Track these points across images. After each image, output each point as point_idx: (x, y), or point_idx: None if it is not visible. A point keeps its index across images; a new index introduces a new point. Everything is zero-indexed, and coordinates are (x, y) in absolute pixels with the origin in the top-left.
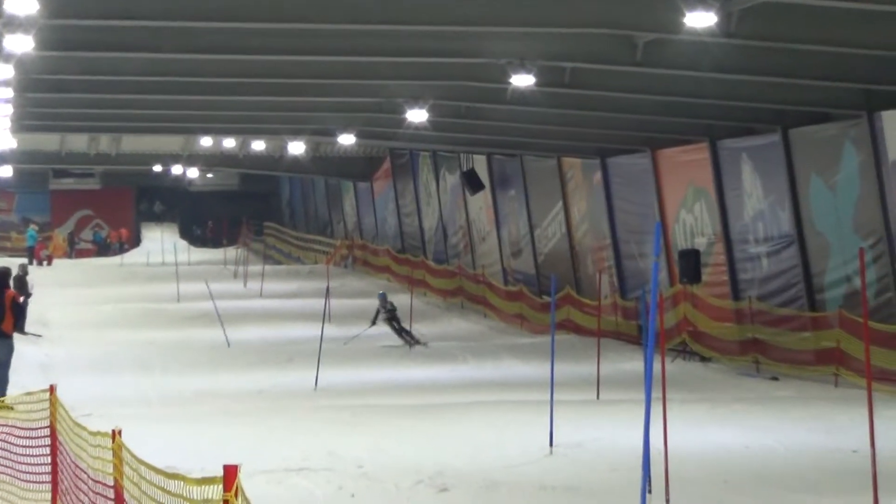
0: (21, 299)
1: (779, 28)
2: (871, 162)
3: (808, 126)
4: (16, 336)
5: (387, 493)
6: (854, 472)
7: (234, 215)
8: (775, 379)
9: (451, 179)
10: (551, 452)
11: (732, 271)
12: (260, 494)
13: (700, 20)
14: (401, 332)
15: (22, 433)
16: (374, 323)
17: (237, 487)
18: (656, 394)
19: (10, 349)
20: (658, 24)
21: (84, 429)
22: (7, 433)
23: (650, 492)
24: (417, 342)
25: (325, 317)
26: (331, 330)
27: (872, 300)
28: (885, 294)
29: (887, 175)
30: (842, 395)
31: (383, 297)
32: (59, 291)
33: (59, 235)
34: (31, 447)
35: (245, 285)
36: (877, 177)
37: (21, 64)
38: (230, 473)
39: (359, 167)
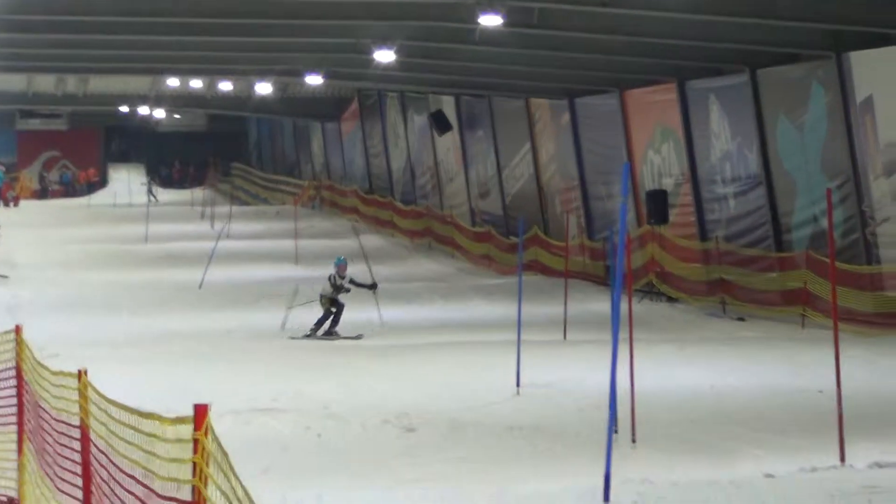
0: None
1: None
2: (839, 102)
3: (776, 67)
4: None
5: (353, 433)
6: (820, 412)
7: (201, 156)
8: (742, 319)
9: (419, 120)
10: (518, 393)
11: (700, 212)
12: (229, 434)
13: None
14: (333, 321)
15: None
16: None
17: (207, 426)
18: (623, 334)
19: None
20: None
21: (46, 369)
22: None
23: (616, 431)
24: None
25: (293, 258)
26: (297, 270)
27: (839, 241)
28: (852, 235)
29: (855, 115)
30: (808, 335)
31: (341, 266)
32: (27, 232)
33: (27, 177)
34: None
35: (212, 226)
36: (844, 117)
37: None
38: (200, 413)
39: (327, 108)
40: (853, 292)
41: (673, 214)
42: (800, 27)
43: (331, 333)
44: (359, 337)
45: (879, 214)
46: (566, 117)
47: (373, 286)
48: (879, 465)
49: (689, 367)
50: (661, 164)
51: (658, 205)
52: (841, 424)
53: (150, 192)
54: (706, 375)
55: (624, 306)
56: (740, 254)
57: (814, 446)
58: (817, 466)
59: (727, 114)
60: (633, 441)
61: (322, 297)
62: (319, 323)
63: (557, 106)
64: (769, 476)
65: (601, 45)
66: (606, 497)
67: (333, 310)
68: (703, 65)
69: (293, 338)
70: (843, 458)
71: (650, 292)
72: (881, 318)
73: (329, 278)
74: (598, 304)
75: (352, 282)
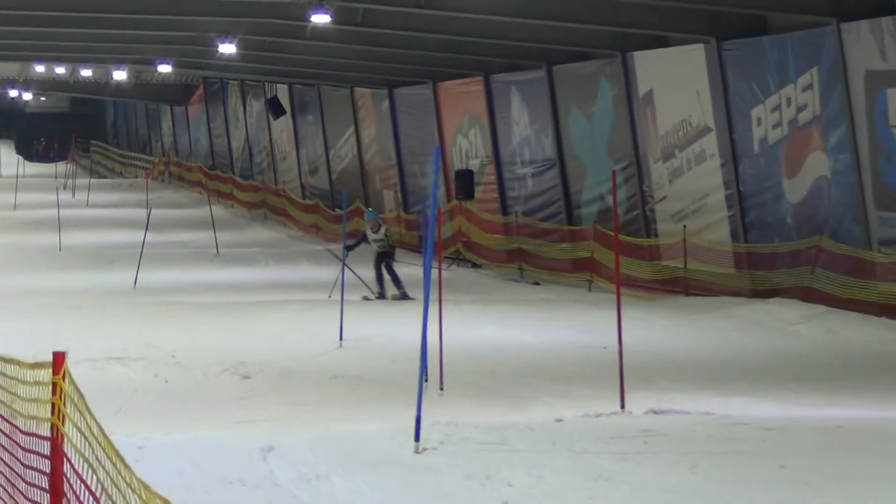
0: None
1: None
2: (624, 96)
3: (569, 63)
4: None
5: (196, 379)
6: (604, 365)
7: (64, 134)
8: (537, 284)
9: (257, 105)
10: (341, 346)
11: (501, 189)
12: (85, 380)
13: None
14: (393, 278)
15: None
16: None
17: (65, 371)
18: (434, 295)
19: None
20: None
21: None
22: None
23: (427, 380)
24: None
25: (144, 224)
26: (148, 235)
27: (622, 216)
28: (633, 211)
29: (637, 107)
30: (594, 298)
31: (374, 218)
32: None
33: None
34: None
35: (73, 196)
36: (628, 109)
37: None
38: (58, 359)
39: (175, 93)
40: (634, 261)
41: (478, 191)
42: (590, 29)
43: (404, 296)
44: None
45: (658, 194)
46: (386, 105)
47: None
48: (655, 412)
49: (491, 324)
50: (468, 148)
51: (465, 183)
52: (622, 376)
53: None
54: (505, 332)
55: (434, 271)
56: (536, 227)
57: (598, 395)
58: (601, 412)
59: (526, 104)
60: (441, 389)
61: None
62: (396, 281)
63: (378, 95)
64: (559, 420)
65: (417, 42)
66: (417, 437)
67: (383, 265)
68: (506, 61)
69: (367, 298)
70: (623, 406)
71: (457, 259)
72: (658, 284)
73: (365, 232)
74: (411, 268)
75: (387, 236)
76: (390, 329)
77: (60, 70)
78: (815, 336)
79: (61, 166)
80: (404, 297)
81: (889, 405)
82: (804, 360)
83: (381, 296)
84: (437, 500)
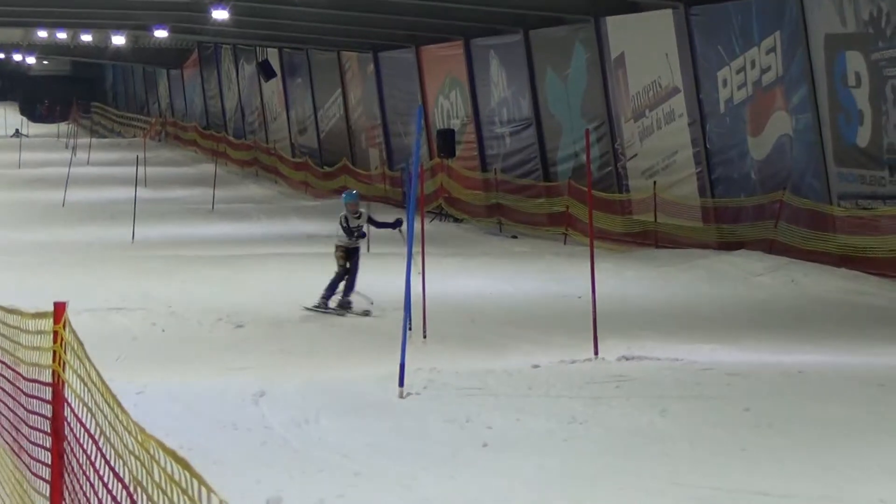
0: None
1: None
2: (596, 59)
3: (545, 28)
4: None
5: (192, 328)
6: (578, 314)
7: (66, 96)
8: (515, 237)
9: (249, 69)
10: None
11: (481, 148)
12: (86, 329)
13: None
14: (347, 284)
15: None
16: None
17: (65, 321)
18: (417, 248)
19: None
20: None
21: None
22: None
23: (411, 329)
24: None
25: (143, 182)
26: (146, 192)
27: (596, 173)
28: (606, 168)
29: (609, 70)
30: (569, 251)
31: (355, 201)
32: None
33: None
34: None
35: (75, 155)
36: (601, 71)
37: None
38: (59, 309)
39: (171, 57)
40: (607, 215)
41: (459, 150)
42: None
43: (345, 305)
44: (367, 313)
45: (629, 151)
46: (371, 68)
47: (396, 224)
48: (626, 358)
49: (472, 276)
50: (449, 108)
51: (447, 141)
52: (595, 325)
53: (18, 133)
54: (485, 283)
55: (418, 225)
56: (514, 183)
57: (573, 343)
58: (575, 359)
59: (504, 67)
60: (424, 337)
61: (337, 248)
62: (331, 288)
63: (364, 59)
64: (535, 366)
65: (401, 8)
66: (401, 383)
67: (348, 265)
68: (485, 25)
69: (307, 308)
70: (596, 352)
71: (440, 214)
72: (629, 237)
73: (340, 221)
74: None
75: (371, 221)
76: (376, 280)
77: (62, 35)
78: (778, 286)
79: (63, 127)
80: (347, 307)
81: (847, 351)
82: (767, 309)
83: (339, 306)
84: (420, 441)
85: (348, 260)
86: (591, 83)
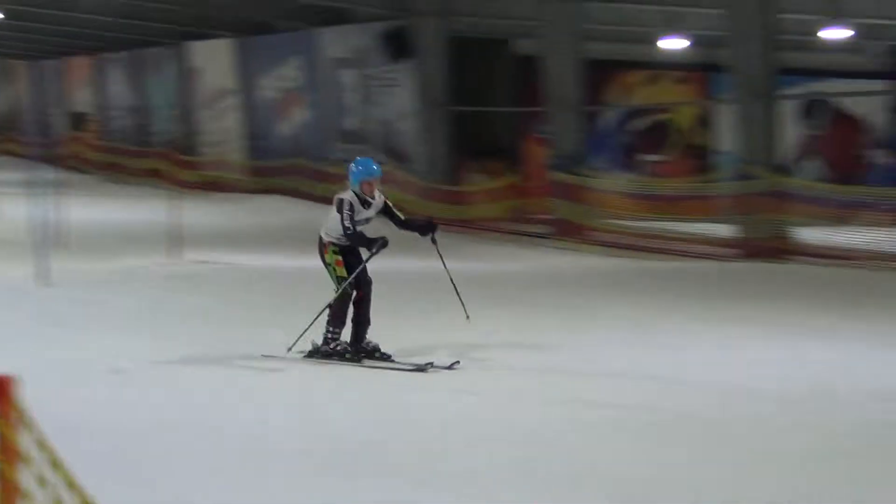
0: None
1: None
2: (183, 69)
3: (145, 49)
4: None
5: None
6: (168, 234)
7: None
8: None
9: None
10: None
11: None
12: None
13: None
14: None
15: None
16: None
17: None
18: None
19: None
20: None
21: None
22: None
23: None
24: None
25: None
26: None
27: (181, 142)
28: (188, 140)
29: (192, 76)
30: (163, 195)
31: (378, 175)
32: None
33: None
34: None
35: None
36: (187, 77)
37: None
38: None
39: None
40: (190, 171)
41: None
42: (153, 26)
43: (346, 352)
44: (425, 368)
45: (204, 129)
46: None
47: (429, 229)
48: (198, 262)
49: (108, 211)
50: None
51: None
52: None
53: None
54: (110, 214)
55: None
56: (126, 148)
57: (158, 253)
58: (164, 263)
59: (125, 76)
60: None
61: (326, 245)
62: (341, 318)
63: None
64: (142, 267)
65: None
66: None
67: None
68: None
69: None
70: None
71: (77, 170)
72: (202, 185)
73: (340, 207)
74: None
75: (389, 214)
76: None
77: None
78: (293, 214)
79: None
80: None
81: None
82: (284, 229)
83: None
84: (57, 321)
85: (350, 269)
86: (180, 84)
